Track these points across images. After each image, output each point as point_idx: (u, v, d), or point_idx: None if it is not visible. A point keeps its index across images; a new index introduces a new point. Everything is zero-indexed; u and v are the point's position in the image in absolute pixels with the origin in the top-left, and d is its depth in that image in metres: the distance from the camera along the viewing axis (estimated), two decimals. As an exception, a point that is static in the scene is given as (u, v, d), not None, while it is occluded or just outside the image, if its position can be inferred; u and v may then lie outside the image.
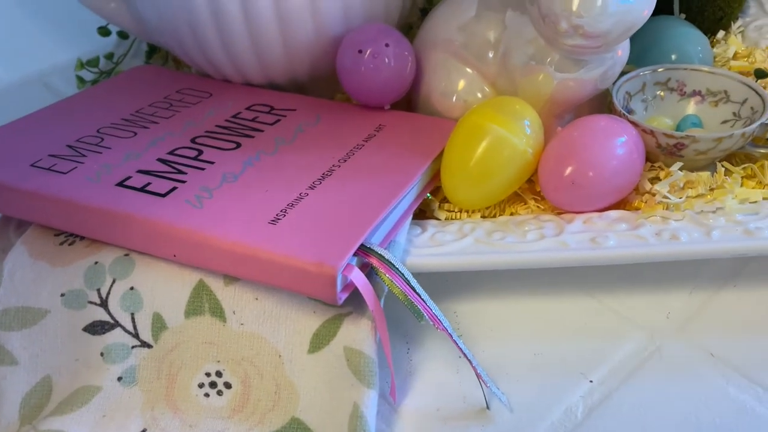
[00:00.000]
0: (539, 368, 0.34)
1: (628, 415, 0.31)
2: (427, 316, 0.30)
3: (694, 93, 0.42)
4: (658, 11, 0.48)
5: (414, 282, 0.31)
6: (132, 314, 0.32)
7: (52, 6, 0.59)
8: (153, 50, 0.52)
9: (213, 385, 0.31)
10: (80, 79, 0.49)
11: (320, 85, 0.46)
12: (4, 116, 0.41)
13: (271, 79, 0.45)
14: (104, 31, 0.51)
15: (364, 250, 0.31)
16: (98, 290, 0.32)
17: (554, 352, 0.34)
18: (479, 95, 0.41)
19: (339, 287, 0.29)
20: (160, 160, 0.36)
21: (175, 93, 0.44)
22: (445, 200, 0.38)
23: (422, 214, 0.38)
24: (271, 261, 0.29)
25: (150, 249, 0.32)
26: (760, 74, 0.42)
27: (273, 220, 0.31)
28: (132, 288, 0.32)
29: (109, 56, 0.51)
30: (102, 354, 0.32)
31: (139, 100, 0.43)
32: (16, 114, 0.42)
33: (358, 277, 0.29)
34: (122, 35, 0.52)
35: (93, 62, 0.49)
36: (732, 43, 0.47)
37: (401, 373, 0.34)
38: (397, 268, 0.31)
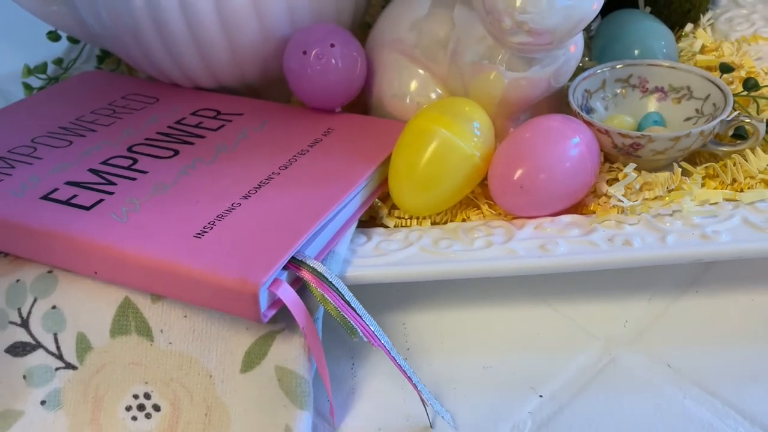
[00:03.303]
0: (488, 382, 0.32)
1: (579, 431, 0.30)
2: (361, 333, 0.29)
3: (657, 89, 0.40)
4: (622, 4, 0.46)
5: (349, 296, 0.29)
6: (55, 334, 0.30)
7: (6, 11, 0.57)
8: (106, 54, 0.51)
9: (141, 407, 0.30)
10: (27, 87, 0.48)
11: (275, 87, 0.45)
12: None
13: (220, 83, 0.43)
14: (54, 36, 0.49)
15: (295, 264, 0.29)
16: (19, 309, 0.30)
17: (504, 365, 0.33)
18: (433, 96, 0.39)
19: (264, 305, 0.27)
20: (91, 170, 0.34)
21: (120, 99, 0.43)
22: (395, 207, 0.37)
23: (372, 221, 0.37)
24: (192, 278, 0.28)
25: (71, 266, 0.30)
26: (725, 69, 0.40)
27: (199, 234, 0.29)
28: (54, 307, 0.30)
29: (59, 62, 0.49)
30: (24, 377, 0.30)
31: (81, 107, 0.42)
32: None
33: (286, 293, 0.28)
34: (73, 40, 0.51)
35: (40, 68, 0.48)
36: (699, 36, 0.45)
37: (344, 390, 0.32)
38: (331, 282, 0.29)
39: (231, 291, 0.27)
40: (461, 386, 0.32)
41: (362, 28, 0.48)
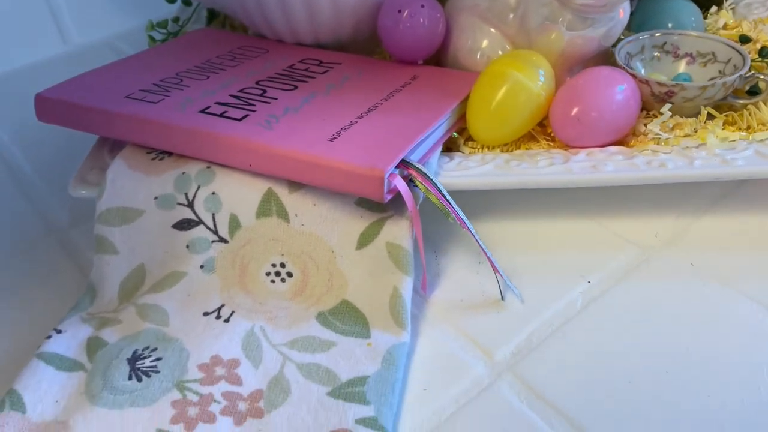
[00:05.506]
0: (546, 271, 0.40)
1: (618, 308, 0.38)
2: (454, 217, 0.37)
3: (686, 54, 0.48)
4: (658, -13, 0.54)
5: (445, 191, 0.38)
6: (213, 214, 0.39)
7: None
8: (212, 16, 0.59)
9: (278, 273, 0.38)
10: (151, 38, 0.56)
11: (360, 45, 0.53)
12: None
13: (318, 39, 0.52)
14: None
15: (405, 164, 0.37)
16: (186, 194, 0.39)
17: (559, 260, 0.41)
18: (500, 52, 0.47)
19: (386, 189, 0.36)
20: (232, 95, 0.43)
21: (237, 49, 0.51)
22: (469, 139, 0.45)
23: (449, 150, 0.45)
24: (330, 167, 0.36)
25: (229, 161, 0.39)
26: (744, 39, 0.49)
27: (331, 138, 0.38)
28: (213, 193, 0.39)
29: (176, 20, 0.58)
30: (187, 246, 0.39)
31: (206, 53, 0.50)
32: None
33: (400, 183, 0.36)
34: (186, 2, 0.59)
35: (162, 24, 0.56)
36: (722, 16, 0.53)
37: (430, 273, 0.41)
38: (432, 180, 0.37)
39: (362, 176, 0.35)
40: (525, 274, 0.40)
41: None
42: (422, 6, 0.46)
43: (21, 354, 0.36)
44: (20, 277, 0.43)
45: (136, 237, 0.39)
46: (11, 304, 0.41)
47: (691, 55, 0.48)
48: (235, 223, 0.39)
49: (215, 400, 0.33)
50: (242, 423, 0.32)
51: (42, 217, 0.47)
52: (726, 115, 0.44)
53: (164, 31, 0.57)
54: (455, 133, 0.45)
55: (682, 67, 0.48)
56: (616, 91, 0.42)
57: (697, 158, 0.40)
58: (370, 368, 0.34)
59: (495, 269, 0.38)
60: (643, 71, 0.48)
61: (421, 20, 0.47)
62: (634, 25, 0.53)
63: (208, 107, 0.41)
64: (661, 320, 0.37)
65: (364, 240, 0.38)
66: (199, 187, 0.39)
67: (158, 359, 0.34)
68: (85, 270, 0.43)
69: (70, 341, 0.36)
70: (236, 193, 0.39)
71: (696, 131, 0.43)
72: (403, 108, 0.42)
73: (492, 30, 0.47)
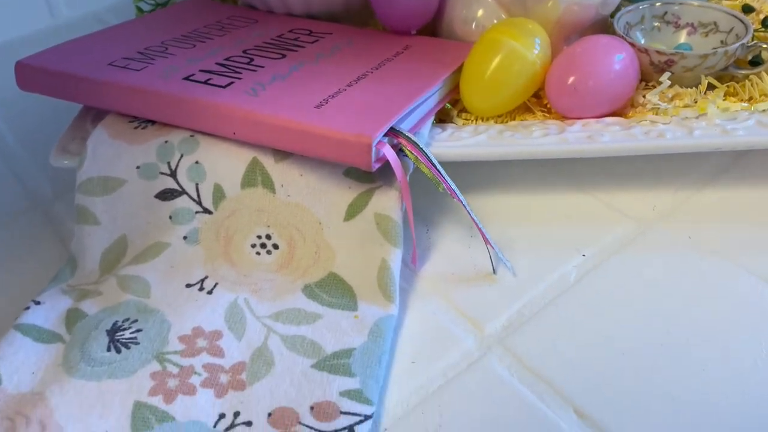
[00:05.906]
0: (539, 244, 0.39)
1: (613, 281, 0.37)
2: (444, 186, 0.36)
3: (688, 25, 0.47)
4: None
5: (435, 161, 0.36)
6: (196, 184, 0.38)
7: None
8: (202, -13, 0.58)
9: (263, 245, 0.37)
10: (139, 9, 0.55)
11: (353, 16, 0.52)
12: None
13: (310, 10, 0.50)
14: (159, -31, 0.57)
15: (394, 133, 0.36)
16: (168, 163, 0.38)
17: (554, 234, 0.40)
18: (496, 21, 0.46)
19: (373, 157, 0.34)
20: (218, 63, 0.42)
21: (226, 19, 0.50)
22: (462, 110, 0.44)
23: (442, 121, 0.44)
24: (316, 134, 0.35)
25: (213, 129, 0.37)
26: (747, 9, 0.47)
27: (318, 105, 0.37)
28: (197, 162, 0.38)
29: (164, -10, 0.57)
30: (170, 217, 0.38)
31: (194, 23, 0.49)
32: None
33: (389, 151, 0.35)
34: (178, -27, 0.58)
35: (150, -6, 0.55)
36: (726, -14, 0.52)
37: (421, 246, 0.40)
38: (422, 149, 0.36)
39: (350, 143, 0.34)
40: (517, 247, 0.39)
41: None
42: (415, -27, 0.45)
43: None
44: (1, 248, 0.42)
45: (117, 207, 0.38)
46: (-8, 276, 0.40)
47: (692, 25, 0.47)
48: (219, 194, 0.38)
49: (196, 372, 0.32)
50: (223, 395, 0.31)
51: (25, 189, 0.46)
52: (727, 86, 0.43)
53: (152, 2, 0.55)
54: (448, 105, 0.44)
55: (683, 37, 0.47)
56: (615, 60, 0.41)
57: (697, 128, 0.39)
58: (356, 340, 0.33)
59: (487, 242, 0.37)
60: (642, 41, 0.47)
61: (414, -12, 0.45)
62: (634, -4, 0.51)
63: (193, 75, 0.40)
64: (657, 294, 0.36)
65: (353, 211, 0.37)
66: (182, 156, 0.38)
67: (138, 331, 0.33)
68: (67, 241, 0.42)
69: (48, 313, 0.35)
70: (220, 163, 0.38)
71: (696, 102, 0.42)
72: (393, 77, 0.41)
73: (487, -1, 0.46)
